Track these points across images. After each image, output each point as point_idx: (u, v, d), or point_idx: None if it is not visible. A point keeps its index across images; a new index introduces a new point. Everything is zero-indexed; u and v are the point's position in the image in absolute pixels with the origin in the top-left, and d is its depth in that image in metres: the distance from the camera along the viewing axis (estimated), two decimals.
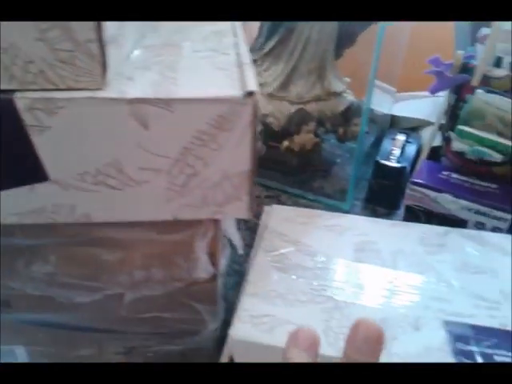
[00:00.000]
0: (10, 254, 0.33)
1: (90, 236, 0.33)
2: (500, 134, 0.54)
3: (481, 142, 0.55)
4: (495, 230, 0.54)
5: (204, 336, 0.41)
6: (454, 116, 0.60)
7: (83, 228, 0.33)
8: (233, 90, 0.27)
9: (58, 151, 0.28)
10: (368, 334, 0.23)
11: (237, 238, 0.39)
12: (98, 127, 0.27)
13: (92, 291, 0.34)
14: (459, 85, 0.58)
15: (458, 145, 0.57)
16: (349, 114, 0.66)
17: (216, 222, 0.34)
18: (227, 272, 0.47)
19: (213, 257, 0.36)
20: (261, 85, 0.66)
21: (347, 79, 0.68)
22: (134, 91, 0.27)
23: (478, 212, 0.55)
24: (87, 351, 0.41)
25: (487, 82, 0.55)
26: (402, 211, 0.61)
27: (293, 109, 0.64)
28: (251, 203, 0.32)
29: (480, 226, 0.56)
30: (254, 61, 0.68)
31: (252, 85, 0.28)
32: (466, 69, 0.57)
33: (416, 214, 0.59)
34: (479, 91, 0.54)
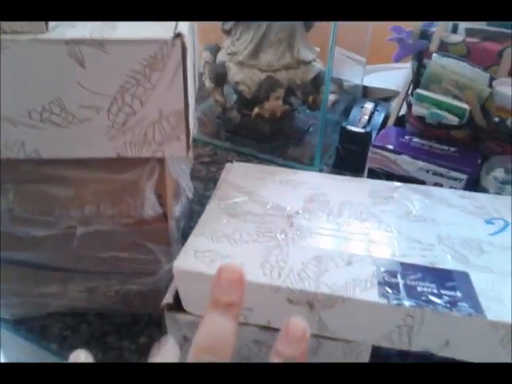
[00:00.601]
0: None
1: (43, 173, 0.36)
2: (456, 98, 0.57)
3: (438, 105, 0.57)
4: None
5: (161, 276, 0.44)
6: (416, 83, 0.63)
7: (36, 166, 0.35)
8: (163, 33, 0.30)
9: (5, 89, 0.31)
10: (231, 276, 0.25)
11: (189, 185, 0.42)
12: (40, 67, 0.30)
13: (47, 226, 0.37)
14: (420, 51, 0.60)
15: (417, 109, 0.60)
16: (318, 82, 0.68)
17: (162, 164, 0.37)
18: (189, 221, 0.50)
19: (161, 197, 0.39)
20: (233, 53, 0.68)
21: (317, 49, 0.70)
22: (72, 34, 0.30)
23: (435, 173, 0.58)
24: (52, 289, 0.44)
25: (444, 48, 0.57)
26: (365, 174, 0.64)
27: (263, 76, 0.66)
28: (188, 143, 0.35)
29: (438, 187, 0.58)
30: (228, 31, 0.70)
31: (182, 28, 0.30)
32: (425, 35, 0.59)
33: (378, 176, 0.62)
34: (435, 55, 0.56)
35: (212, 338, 0.23)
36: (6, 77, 0.30)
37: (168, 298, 0.37)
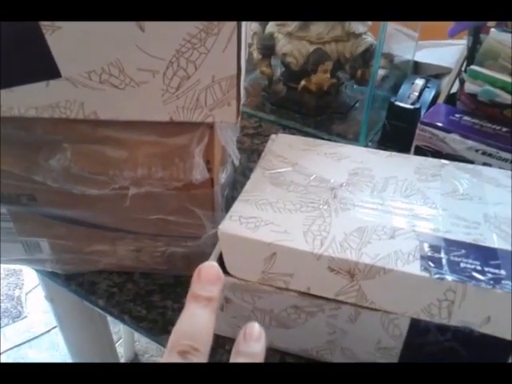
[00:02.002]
0: (32, 149, 0.38)
1: (99, 134, 0.37)
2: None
3: (492, 82, 0.55)
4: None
5: (204, 240, 0.45)
6: (471, 59, 0.61)
7: (93, 127, 0.37)
8: None
9: (67, 50, 0.32)
10: (209, 271, 0.27)
11: (235, 152, 0.43)
12: (100, 29, 0.31)
13: (102, 185, 0.39)
14: (477, 26, 0.58)
15: (470, 86, 0.58)
16: (368, 56, 0.67)
17: (211, 130, 0.38)
18: (233, 192, 0.51)
19: (209, 163, 0.40)
20: (282, 24, 0.68)
21: (369, 22, 0.68)
22: None
23: (484, 153, 0.56)
24: (102, 247, 0.47)
25: (504, 23, 0.55)
26: (412, 152, 0.63)
27: (311, 48, 0.66)
28: (238, 109, 0.35)
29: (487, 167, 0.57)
30: None
31: None
32: None
33: (425, 155, 0.61)
34: (493, 30, 0.54)
35: (192, 326, 0.25)
36: (69, 38, 0.32)
37: (212, 260, 0.39)
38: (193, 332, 0.25)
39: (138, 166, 0.38)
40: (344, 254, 0.35)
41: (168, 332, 0.44)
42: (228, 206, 0.42)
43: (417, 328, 0.36)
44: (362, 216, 0.40)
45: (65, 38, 0.32)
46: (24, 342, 1.25)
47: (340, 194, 0.43)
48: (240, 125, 0.74)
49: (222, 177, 0.44)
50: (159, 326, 0.45)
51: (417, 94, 0.68)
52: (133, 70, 0.33)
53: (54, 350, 1.17)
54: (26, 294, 1.36)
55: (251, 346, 0.26)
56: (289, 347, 0.42)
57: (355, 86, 0.77)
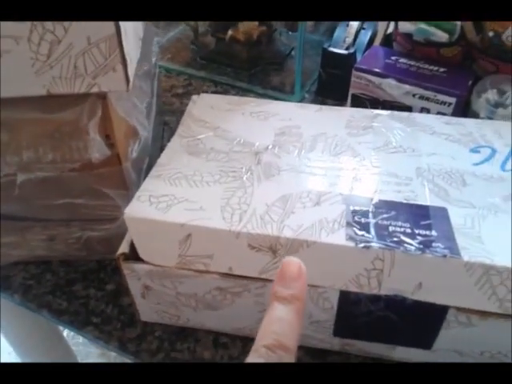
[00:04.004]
0: None
1: None
2: None
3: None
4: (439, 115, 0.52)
5: (122, 222, 0.41)
6: None
7: None
8: None
9: None
10: (292, 268, 0.24)
11: (142, 123, 0.38)
12: None
13: None
14: None
15: (404, 25, 0.54)
16: None
17: (104, 102, 0.33)
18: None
19: (109, 138, 0.35)
20: None
21: None
22: None
23: (421, 97, 0.53)
24: (10, 238, 0.42)
25: None
26: (349, 102, 0.59)
27: None
28: (127, 74, 0.30)
29: (425, 112, 0.54)
30: None
31: None
32: None
33: (362, 103, 0.57)
34: None
35: (279, 324, 0.22)
36: None
37: (123, 248, 0.35)
38: (280, 329, 0.22)
39: (22, 149, 0.33)
40: (264, 229, 0.32)
41: (92, 323, 0.41)
42: None
43: (347, 300, 0.33)
44: (286, 182, 0.36)
45: None
46: None
47: (264, 159, 0.39)
48: (168, 84, 0.68)
49: (134, 150, 0.39)
50: (81, 318, 0.41)
51: (352, 37, 0.63)
52: None
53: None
54: None
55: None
56: (220, 328, 0.39)
57: (290, 33, 0.72)
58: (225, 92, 0.66)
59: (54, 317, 0.41)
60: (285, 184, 0.36)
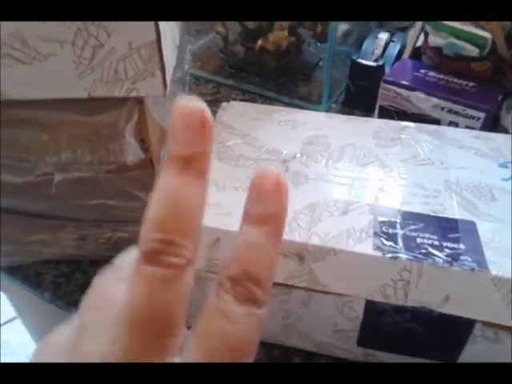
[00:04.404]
0: None
1: (14, 117, 0.33)
2: (477, 26, 0.51)
3: (457, 34, 0.52)
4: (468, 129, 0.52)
5: None
6: None
7: (6, 108, 0.33)
8: None
9: None
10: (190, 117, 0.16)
11: None
12: None
13: (24, 173, 0.35)
14: None
15: (434, 39, 0.54)
16: None
17: (141, 106, 0.34)
18: None
19: (144, 142, 0.36)
20: None
21: None
22: None
23: (450, 111, 0.53)
24: (43, 236, 0.43)
25: None
26: (376, 113, 0.59)
27: None
28: (165, 80, 0.31)
29: (453, 126, 0.54)
30: None
31: None
32: None
33: (389, 115, 0.57)
34: None
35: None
36: None
37: None
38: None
39: (61, 149, 0.34)
40: (292, 235, 0.32)
41: None
42: None
43: (373, 310, 0.33)
44: (314, 191, 0.37)
45: None
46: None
47: (292, 167, 0.40)
48: (196, 92, 0.70)
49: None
50: None
51: (381, 49, 0.64)
52: (37, 42, 0.29)
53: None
54: None
55: (262, 202, 0.17)
56: None
57: (318, 44, 0.73)
58: (252, 101, 0.67)
59: None
60: (312, 192, 0.37)
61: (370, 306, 0.33)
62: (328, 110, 0.63)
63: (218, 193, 0.36)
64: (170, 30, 0.33)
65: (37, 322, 0.68)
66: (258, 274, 0.16)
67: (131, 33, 0.29)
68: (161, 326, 0.15)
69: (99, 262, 0.46)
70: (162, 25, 0.29)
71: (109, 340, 0.16)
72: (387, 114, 0.57)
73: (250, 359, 0.16)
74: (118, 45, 0.29)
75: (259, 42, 0.63)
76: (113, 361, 0.16)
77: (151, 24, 0.28)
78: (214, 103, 0.68)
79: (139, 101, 0.34)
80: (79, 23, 0.28)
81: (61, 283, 0.45)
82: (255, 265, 0.16)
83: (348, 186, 0.37)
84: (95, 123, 0.34)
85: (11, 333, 1.23)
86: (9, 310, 1.25)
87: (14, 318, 1.24)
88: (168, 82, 0.32)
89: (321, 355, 0.38)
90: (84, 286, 0.46)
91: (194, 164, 0.16)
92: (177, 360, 0.16)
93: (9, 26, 0.28)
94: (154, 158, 0.38)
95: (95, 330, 0.16)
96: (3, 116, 0.33)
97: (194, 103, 0.16)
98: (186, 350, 0.16)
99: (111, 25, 0.28)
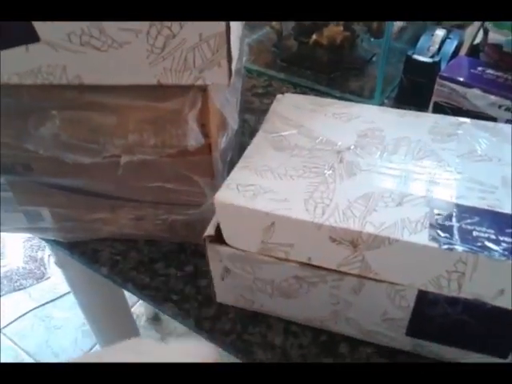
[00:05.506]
0: (21, 117, 0.37)
1: (87, 100, 0.35)
2: None
3: None
4: None
5: (206, 208, 0.43)
6: None
7: (79, 92, 0.35)
8: None
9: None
10: None
11: (233, 116, 0.40)
12: None
13: (92, 153, 0.37)
14: None
15: (494, 36, 0.53)
16: None
17: (205, 93, 0.35)
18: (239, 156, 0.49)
19: (205, 128, 0.37)
20: None
21: None
22: None
23: (508, 109, 0.52)
24: (102, 215, 0.46)
25: None
26: (430, 109, 0.59)
27: None
28: (230, 70, 0.32)
29: (510, 124, 0.53)
30: None
31: None
32: None
33: (444, 112, 0.57)
34: None
35: None
36: None
37: (210, 230, 0.37)
38: None
39: (128, 132, 0.36)
40: (346, 223, 0.33)
41: (171, 300, 0.44)
42: (231, 170, 0.40)
43: (425, 300, 0.34)
44: (368, 181, 0.37)
45: None
46: (48, 302, 1.29)
47: (347, 158, 0.40)
48: (249, 84, 0.71)
49: (222, 141, 0.42)
50: (162, 294, 0.44)
51: (437, 46, 0.63)
52: (114, 30, 0.31)
53: (77, 309, 1.20)
54: (49, 256, 1.39)
55: None
56: (292, 316, 0.41)
57: (372, 39, 0.73)
58: (304, 94, 0.67)
59: (137, 290, 0.45)
60: (366, 183, 0.37)
61: (423, 295, 0.33)
62: (380, 105, 0.63)
63: (274, 180, 0.37)
64: (235, 22, 0.34)
65: (90, 297, 0.72)
66: None
67: (202, 24, 0.30)
68: None
69: (153, 242, 0.49)
70: None
71: None
72: (442, 110, 0.57)
73: None
74: (189, 35, 0.31)
75: (314, 37, 0.64)
76: None
77: None
78: (266, 96, 0.69)
79: (203, 89, 0.35)
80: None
81: (117, 260, 0.47)
82: None
83: (403, 178, 0.38)
84: (161, 108, 0.35)
85: (58, 310, 1.29)
86: (54, 290, 1.32)
87: (60, 297, 1.30)
88: (233, 72, 0.34)
89: (367, 343, 0.39)
90: (139, 264, 0.49)
91: None
92: None
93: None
94: (212, 144, 0.39)
95: None
96: (76, 100, 0.36)
97: None
98: None
99: None
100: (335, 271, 0.35)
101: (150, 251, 0.48)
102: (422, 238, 0.32)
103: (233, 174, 0.38)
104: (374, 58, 0.71)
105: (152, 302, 0.44)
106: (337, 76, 0.69)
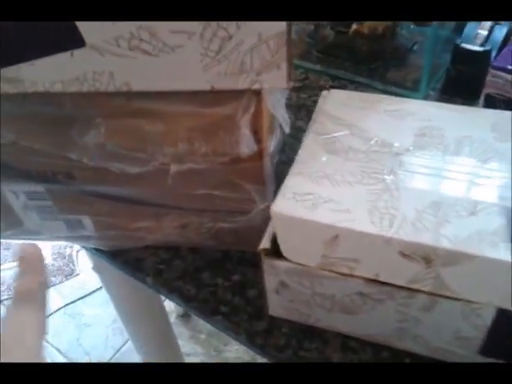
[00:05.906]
0: (64, 125, 0.35)
1: (134, 107, 0.33)
2: None
3: None
4: None
5: (254, 215, 0.41)
6: None
7: (127, 99, 0.33)
8: None
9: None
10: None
11: (285, 118, 0.38)
12: None
13: (140, 163, 0.35)
14: None
15: None
16: None
17: (258, 97, 0.33)
18: (281, 155, 0.46)
19: (257, 134, 0.35)
20: None
21: None
22: None
23: None
24: (146, 223, 0.44)
25: None
26: (481, 102, 0.55)
27: None
28: (290, 72, 0.30)
29: None
30: None
31: None
32: None
33: (497, 104, 0.53)
34: None
35: None
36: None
37: (265, 243, 0.35)
38: None
39: (178, 140, 0.34)
40: (418, 236, 0.31)
41: (220, 312, 0.42)
42: (278, 172, 0.37)
43: (503, 319, 0.31)
44: (434, 187, 0.35)
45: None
46: (78, 299, 1.29)
47: (407, 161, 0.37)
48: None
49: (271, 145, 0.39)
50: (210, 307, 0.42)
51: (485, 33, 0.59)
52: (165, 33, 0.28)
53: (107, 305, 1.20)
54: (77, 252, 1.39)
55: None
56: (352, 331, 0.38)
57: (412, 27, 0.69)
58: (343, 87, 0.64)
59: (184, 302, 0.43)
60: (432, 189, 0.35)
61: (501, 314, 0.31)
62: (426, 98, 0.60)
63: (332, 188, 0.35)
64: None
65: (126, 300, 0.71)
66: None
67: (262, 24, 0.27)
68: None
69: (197, 249, 0.47)
70: None
71: None
72: (494, 102, 0.53)
73: None
74: (247, 36, 0.28)
75: (354, 26, 0.60)
76: None
77: None
78: (303, 90, 0.66)
79: (257, 92, 0.33)
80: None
81: (162, 269, 0.45)
82: None
83: (470, 183, 0.35)
84: (212, 115, 0.33)
85: (88, 307, 1.29)
86: (84, 287, 1.32)
87: (90, 294, 1.30)
88: (292, 73, 0.31)
89: (433, 359, 0.37)
90: (184, 273, 0.47)
91: None
92: None
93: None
94: (263, 150, 0.37)
95: None
96: (123, 107, 0.33)
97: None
98: None
99: None
100: (405, 288, 0.32)
101: (194, 259, 0.46)
102: (503, 253, 0.29)
103: (287, 181, 0.36)
104: (415, 47, 0.68)
105: (200, 314, 0.42)
106: (377, 66, 0.66)
